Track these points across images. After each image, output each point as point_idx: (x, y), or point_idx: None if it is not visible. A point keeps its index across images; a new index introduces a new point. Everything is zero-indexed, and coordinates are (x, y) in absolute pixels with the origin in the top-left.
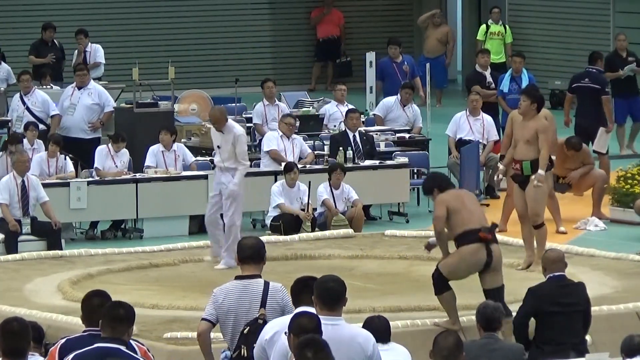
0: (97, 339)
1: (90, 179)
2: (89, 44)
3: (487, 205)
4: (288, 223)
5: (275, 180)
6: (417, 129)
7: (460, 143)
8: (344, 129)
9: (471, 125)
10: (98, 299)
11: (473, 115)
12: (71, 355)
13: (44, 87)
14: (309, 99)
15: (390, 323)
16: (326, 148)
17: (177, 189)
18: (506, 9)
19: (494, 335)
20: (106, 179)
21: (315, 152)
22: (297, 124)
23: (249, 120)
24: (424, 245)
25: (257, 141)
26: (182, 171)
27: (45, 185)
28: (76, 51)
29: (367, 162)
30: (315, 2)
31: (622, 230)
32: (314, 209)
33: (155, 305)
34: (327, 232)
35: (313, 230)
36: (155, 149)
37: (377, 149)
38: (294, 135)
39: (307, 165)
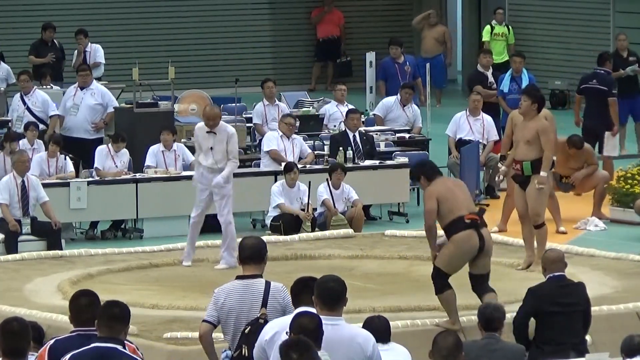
0: (91, 339)
1: (90, 179)
2: (89, 44)
3: (487, 205)
4: (288, 223)
5: (275, 180)
6: (417, 129)
7: (460, 143)
8: (344, 129)
9: (471, 125)
10: (86, 298)
11: (473, 115)
12: (68, 356)
13: (44, 87)
14: (309, 99)
15: (390, 323)
16: (326, 148)
17: (177, 189)
18: (506, 9)
19: (495, 335)
20: (106, 179)
21: (315, 152)
22: (297, 124)
23: (249, 120)
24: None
25: (257, 141)
26: (182, 171)
27: (45, 185)
28: (76, 51)
29: (367, 162)
30: (315, 2)
31: (622, 230)
32: (314, 209)
33: (155, 305)
34: (327, 232)
35: (313, 230)
36: (155, 149)
37: (377, 149)
38: (294, 135)
39: (307, 165)
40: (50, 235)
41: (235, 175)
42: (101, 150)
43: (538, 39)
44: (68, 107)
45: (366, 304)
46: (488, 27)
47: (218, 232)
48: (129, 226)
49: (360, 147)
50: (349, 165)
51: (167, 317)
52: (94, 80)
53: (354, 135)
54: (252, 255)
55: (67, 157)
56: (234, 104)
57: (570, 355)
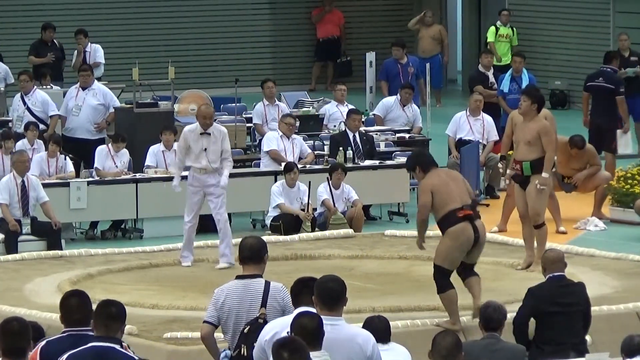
0: (83, 339)
1: (90, 179)
2: (89, 44)
3: (487, 205)
4: (288, 223)
5: (275, 180)
6: (417, 129)
7: (460, 143)
8: (344, 129)
9: (471, 125)
10: (76, 299)
11: (473, 115)
12: (65, 356)
13: (44, 87)
14: (309, 99)
15: (390, 323)
16: (326, 148)
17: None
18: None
19: (495, 335)
20: (106, 179)
21: (315, 152)
22: (297, 124)
23: (249, 120)
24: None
25: (257, 141)
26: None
27: (45, 185)
28: (76, 51)
29: (367, 162)
30: (316, 2)
31: (622, 230)
32: (314, 209)
33: (155, 305)
34: (327, 232)
35: (313, 230)
36: (155, 149)
37: (377, 149)
38: (294, 135)
39: (307, 165)
40: (50, 235)
41: (235, 175)
42: (101, 150)
43: (538, 39)
44: (70, 107)
45: (366, 304)
46: (493, 28)
47: (214, 232)
48: (129, 226)
49: (360, 147)
50: (349, 165)
51: (167, 317)
52: (95, 81)
53: (354, 135)
54: (252, 255)
55: (67, 157)
56: (234, 104)
57: (570, 355)
